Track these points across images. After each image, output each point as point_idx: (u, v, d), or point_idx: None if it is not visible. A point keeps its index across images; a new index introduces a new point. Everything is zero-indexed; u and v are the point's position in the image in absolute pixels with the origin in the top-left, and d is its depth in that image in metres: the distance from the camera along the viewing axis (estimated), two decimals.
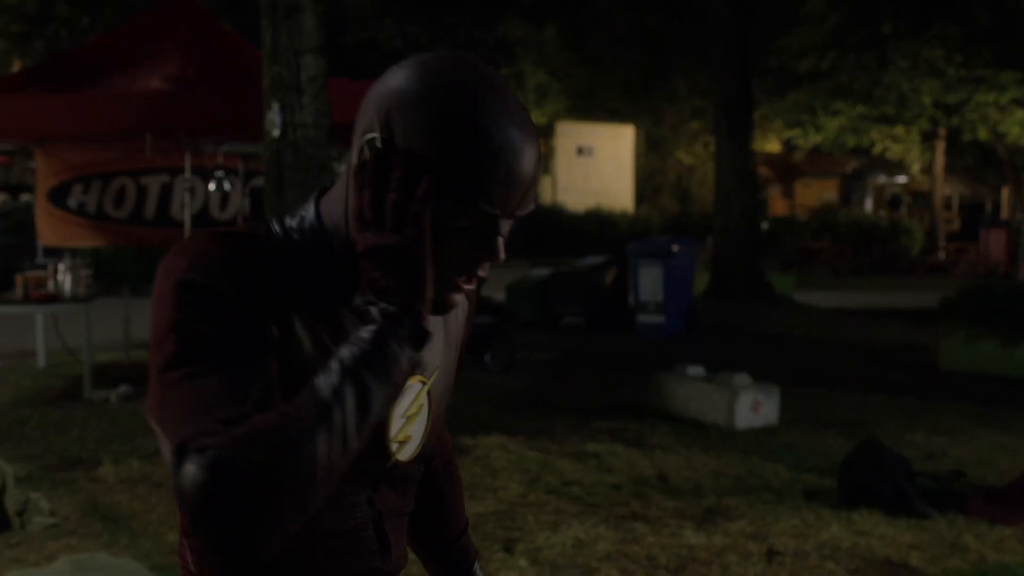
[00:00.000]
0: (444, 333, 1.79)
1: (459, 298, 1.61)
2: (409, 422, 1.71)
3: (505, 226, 1.57)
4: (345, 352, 1.46)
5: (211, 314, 1.47)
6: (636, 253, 16.62)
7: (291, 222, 1.65)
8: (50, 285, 10.50)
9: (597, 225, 37.19)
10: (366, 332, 1.49)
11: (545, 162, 44.44)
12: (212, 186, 11.04)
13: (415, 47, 31.42)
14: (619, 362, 13.41)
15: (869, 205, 48.13)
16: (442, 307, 1.60)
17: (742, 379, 9.57)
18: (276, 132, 9.33)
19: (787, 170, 47.80)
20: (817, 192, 47.70)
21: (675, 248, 16.29)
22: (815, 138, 36.65)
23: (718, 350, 14.24)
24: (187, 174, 10.95)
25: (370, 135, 1.56)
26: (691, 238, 18.14)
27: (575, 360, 13.74)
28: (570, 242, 34.78)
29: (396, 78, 1.57)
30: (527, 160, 1.54)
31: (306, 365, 1.53)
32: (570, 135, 43.86)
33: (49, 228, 12.59)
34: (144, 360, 12.27)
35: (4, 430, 9.04)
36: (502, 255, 1.56)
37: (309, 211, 1.66)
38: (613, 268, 16.90)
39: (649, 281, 16.25)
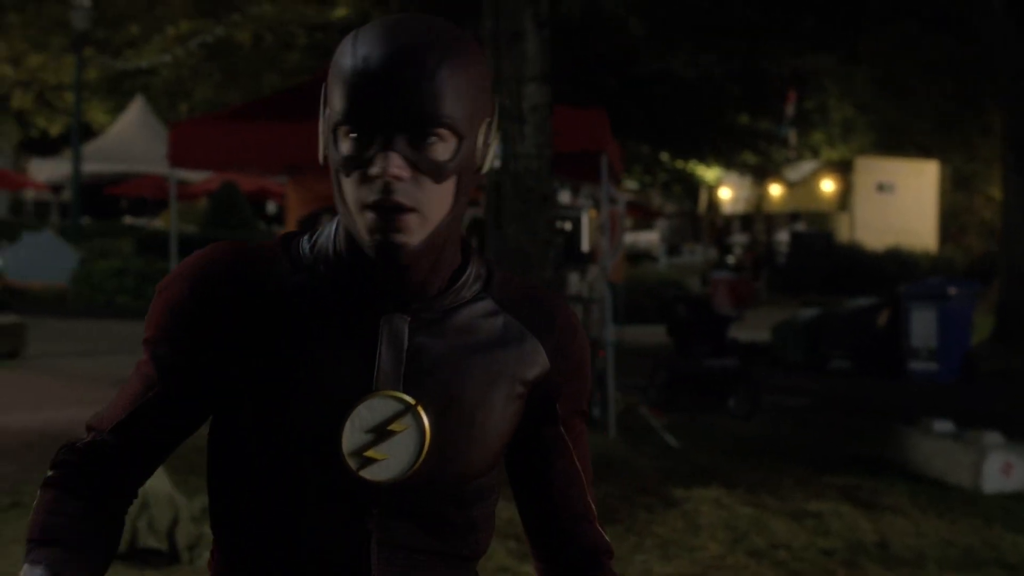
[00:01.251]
0: (467, 358, 1.68)
1: (401, 238, 1.55)
2: (382, 440, 1.62)
3: (400, 143, 1.54)
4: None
5: (156, 322, 1.69)
6: (909, 295, 15.62)
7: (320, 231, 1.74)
8: None
9: (897, 264, 35.67)
10: None
11: (844, 198, 43.03)
12: None
13: (707, 78, 30.81)
14: (880, 410, 12.52)
15: None
16: (384, 248, 1.56)
17: (993, 438, 8.68)
18: (497, 163, 9.04)
19: None
20: None
21: (952, 291, 15.22)
22: None
23: (990, 402, 13.17)
24: None
25: None
26: (971, 280, 16.97)
27: (832, 406, 12.94)
28: (868, 282, 33.39)
29: None
30: (381, 66, 1.53)
31: (259, 363, 1.63)
32: (870, 171, 42.34)
33: None
34: None
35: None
36: (392, 169, 1.52)
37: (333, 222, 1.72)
38: (886, 310, 15.95)
39: (922, 325, 15.22)
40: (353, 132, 1.56)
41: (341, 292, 1.66)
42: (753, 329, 17.98)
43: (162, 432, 1.74)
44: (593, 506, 1.85)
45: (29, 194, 40.38)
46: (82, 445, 1.74)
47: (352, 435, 1.62)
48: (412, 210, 1.55)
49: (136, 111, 32.74)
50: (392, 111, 1.53)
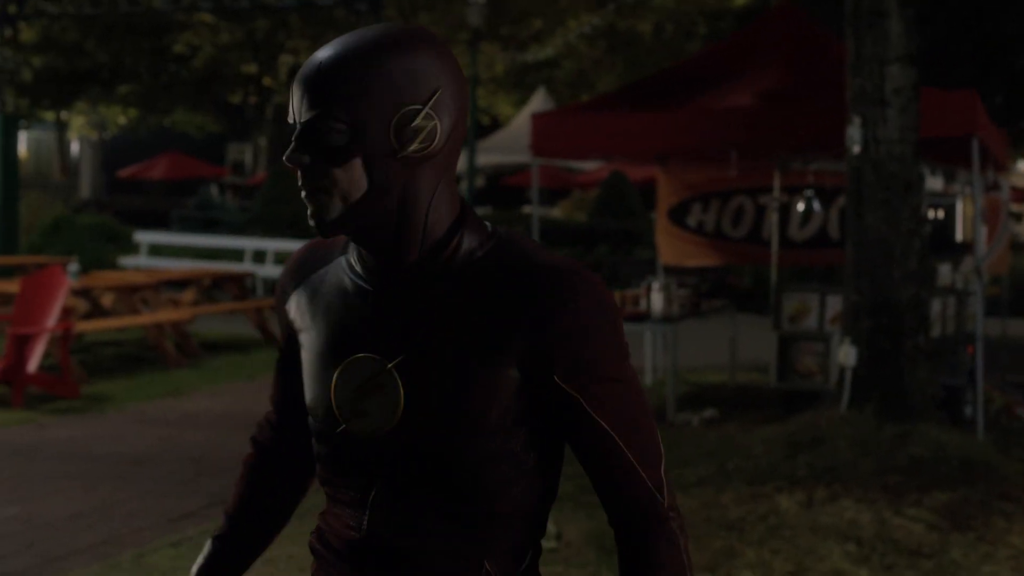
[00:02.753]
0: (445, 325, 1.83)
1: (319, 214, 1.79)
2: (364, 396, 1.85)
3: (302, 135, 1.78)
4: None
5: (276, 310, 2.10)
6: None
7: None
8: (642, 303, 10.47)
9: None
10: None
11: None
12: (801, 206, 10.53)
13: None
14: None
15: None
16: (315, 224, 1.81)
17: None
18: (856, 148, 8.68)
19: None
20: None
21: None
22: None
23: None
24: (775, 192, 10.51)
25: None
26: None
27: None
28: None
29: None
30: (299, 74, 1.78)
31: (299, 335, 2.00)
32: None
33: (668, 247, 12.66)
34: (749, 383, 11.97)
35: None
36: (291, 156, 1.77)
37: None
38: None
39: None
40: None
41: (350, 270, 1.92)
42: None
43: (297, 402, 2.09)
44: (638, 467, 1.87)
45: None
46: (263, 419, 2.22)
47: (339, 391, 1.87)
48: (322, 191, 1.78)
49: (538, 103, 33.51)
50: (298, 109, 1.79)
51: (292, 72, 36.43)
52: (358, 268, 1.90)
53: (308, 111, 1.77)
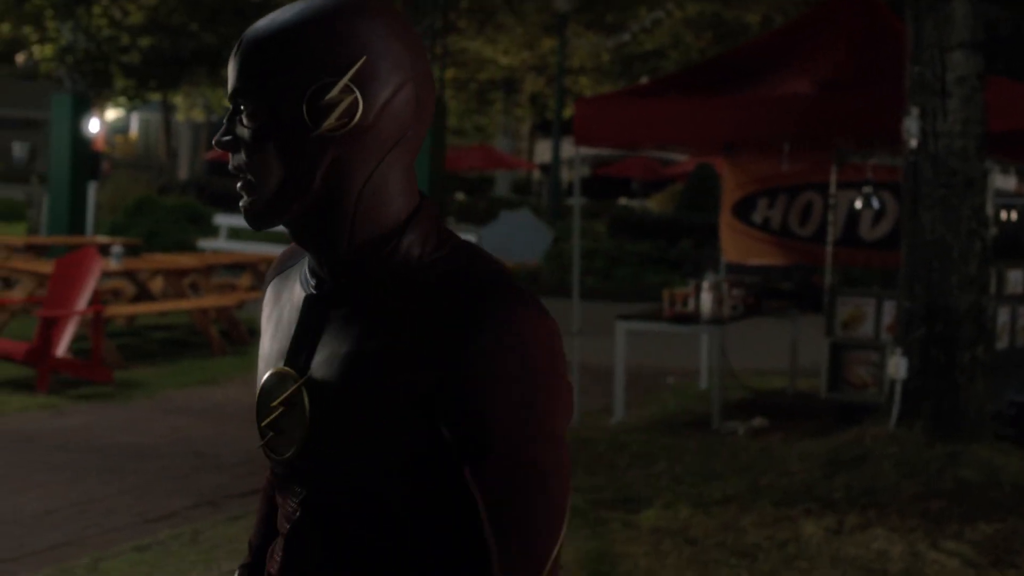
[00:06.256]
0: (368, 339, 1.60)
1: (243, 201, 1.64)
2: (281, 414, 1.66)
3: (228, 116, 1.64)
4: None
5: None
6: None
7: None
8: (690, 303, 9.83)
9: None
10: None
11: None
12: (859, 203, 9.80)
13: None
14: None
15: None
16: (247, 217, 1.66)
17: None
18: (914, 142, 7.98)
19: None
20: None
21: None
22: None
23: None
24: (832, 188, 9.78)
25: None
26: None
27: None
28: None
29: None
30: (242, 42, 1.63)
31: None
32: None
33: (732, 243, 12.00)
34: (809, 391, 11.25)
35: (600, 454, 8.47)
36: (215, 138, 1.65)
37: None
38: None
39: None
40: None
41: (307, 272, 1.71)
42: None
43: None
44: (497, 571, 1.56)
45: (536, 175, 41.71)
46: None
47: (261, 405, 1.69)
48: (249, 179, 1.63)
49: None
50: (236, 87, 1.63)
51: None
52: (307, 270, 1.71)
53: (231, 94, 1.64)
